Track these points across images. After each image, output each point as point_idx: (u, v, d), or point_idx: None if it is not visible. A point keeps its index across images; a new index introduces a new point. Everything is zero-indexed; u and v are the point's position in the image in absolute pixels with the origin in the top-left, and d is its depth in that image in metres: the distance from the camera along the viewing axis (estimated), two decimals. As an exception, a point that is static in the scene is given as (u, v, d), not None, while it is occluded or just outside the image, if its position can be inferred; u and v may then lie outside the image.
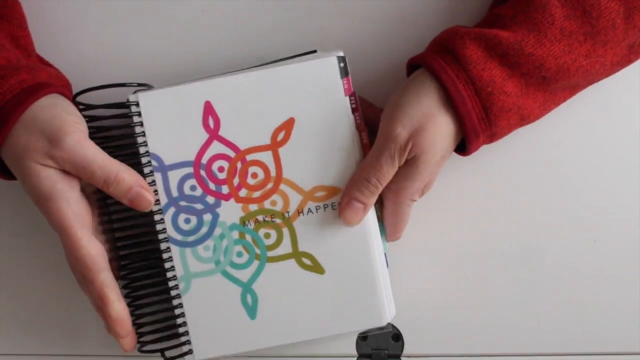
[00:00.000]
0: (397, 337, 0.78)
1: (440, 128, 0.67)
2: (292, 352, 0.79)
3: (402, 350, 0.78)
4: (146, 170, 0.71)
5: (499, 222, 0.76)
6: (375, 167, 0.68)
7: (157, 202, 0.71)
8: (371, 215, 0.72)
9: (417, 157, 0.67)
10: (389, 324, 0.73)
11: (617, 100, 0.76)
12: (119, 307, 0.68)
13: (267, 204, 0.71)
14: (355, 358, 0.78)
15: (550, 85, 0.68)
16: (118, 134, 0.71)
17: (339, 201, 0.70)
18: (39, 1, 0.75)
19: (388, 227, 0.73)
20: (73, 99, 0.71)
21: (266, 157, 0.71)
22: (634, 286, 0.77)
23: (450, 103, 0.66)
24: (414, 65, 0.71)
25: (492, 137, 0.69)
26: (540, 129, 0.73)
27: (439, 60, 0.67)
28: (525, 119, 0.69)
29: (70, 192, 0.67)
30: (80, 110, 0.70)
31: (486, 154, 0.73)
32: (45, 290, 0.78)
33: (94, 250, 0.67)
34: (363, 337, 0.78)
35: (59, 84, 0.70)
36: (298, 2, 0.74)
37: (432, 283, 0.77)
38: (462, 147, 0.70)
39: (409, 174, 0.68)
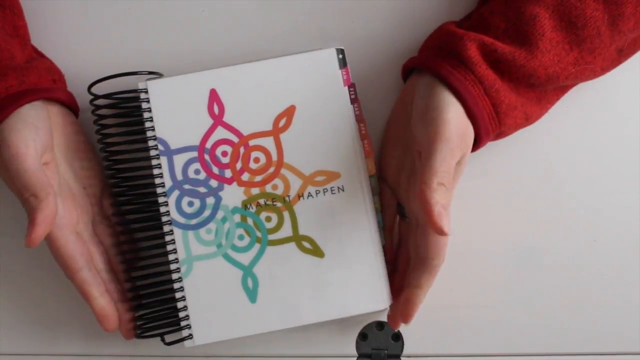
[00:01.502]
0: (397, 337, 0.78)
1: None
2: (292, 352, 0.78)
3: (402, 350, 0.77)
4: (153, 153, 0.73)
5: (499, 222, 0.77)
6: (446, 170, 0.65)
7: (162, 185, 0.73)
8: (369, 204, 0.73)
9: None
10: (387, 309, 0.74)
11: (617, 100, 0.77)
12: (102, 302, 0.72)
13: (268, 188, 0.73)
14: (355, 358, 0.78)
15: (540, 87, 0.69)
16: (127, 120, 0.74)
17: (429, 213, 0.64)
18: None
19: (427, 251, 0.69)
20: (88, 89, 0.74)
21: (268, 142, 0.73)
22: (634, 286, 0.77)
23: (463, 104, 0.67)
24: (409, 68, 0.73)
25: (499, 136, 0.71)
26: (539, 128, 0.74)
27: (444, 65, 0.68)
28: (529, 118, 0.70)
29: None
30: (93, 99, 0.74)
31: (486, 154, 0.74)
32: (45, 290, 0.78)
33: (72, 250, 0.70)
34: (363, 337, 0.78)
35: (46, 82, 0.72)
36: (298, 2, 0.77)
37: (431, 283, 0.77)
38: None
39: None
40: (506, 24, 0.68)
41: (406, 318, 0.71)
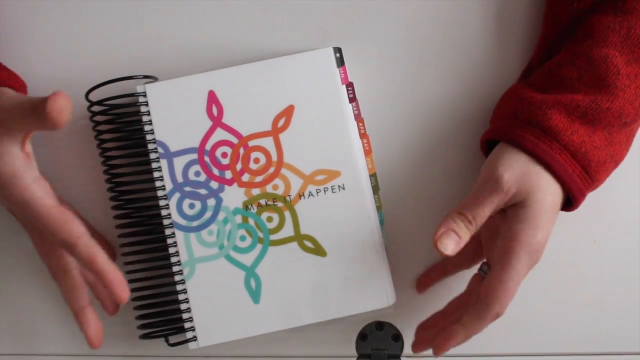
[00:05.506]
0: (397, 337, 0.77)
1: (545, 183, 0.68)
2: (293, 352, 0.78)
3: (402, 350, 0.77)
4: (152, 156, 0.73)
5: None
6: (472, 204, 0.68)
7: (163, 187, 0.73)
8: (370, 201, 0.74)
9: (525, 201, 0.67)
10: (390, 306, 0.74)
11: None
12: (112, 267, 0.65)
13: (269, 188, 0.74)
14: (355, 358, 0.77)
15: (630, 125, 0.69)
16: (126, 122, 0.75)
17: (433, 233, 0.68)
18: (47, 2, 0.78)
19: (487, 295, 0.67)
20: (86, 96, 0.74)
21: (268, 142, 0.74)
22: (634, 286, 0.77)
23: (552, 173, 0.67)
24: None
25: (594, 188, 0.71)
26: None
27: (527, 137, 0.68)
28: (618, 162, 0.70)
29: (30, 169, 0.67)
30: (90, 106, 0.74)
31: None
32: (45, 290, 0.78)
33: (71, 215, 0.66)
34: (363, 337, 0.77)
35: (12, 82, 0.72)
36: (298, 2, 0.77)
37: (432, 283, 0.77)
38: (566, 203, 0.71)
39: (521, 215, 0.67)
40: (579, 72, 0.68)
41: (435, 349, 0.69)
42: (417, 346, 0.73)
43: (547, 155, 0.67)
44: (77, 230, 0.65)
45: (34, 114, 0.62)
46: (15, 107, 0.64)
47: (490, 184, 0.68)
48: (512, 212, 0.68)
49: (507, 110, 0.71)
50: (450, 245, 0.67)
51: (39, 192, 0.65)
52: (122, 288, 0.65)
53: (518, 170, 0.68)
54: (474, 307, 0.68)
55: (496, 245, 0.69)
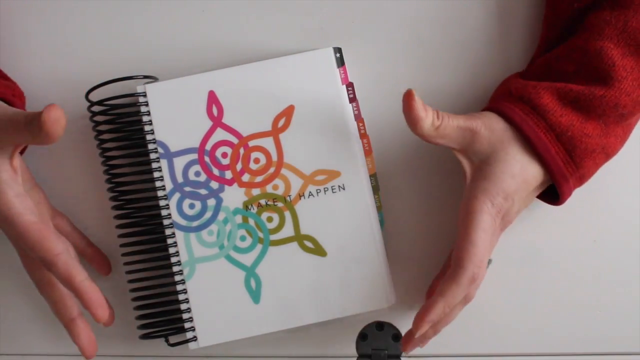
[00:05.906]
0: (397, 337, 0.77)
1: (515, 151, 0.68)
2: (293, 352, 0.78)
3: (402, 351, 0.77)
4: (153, 156, 0.73)
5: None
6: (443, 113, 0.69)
7: (163, 187, 0.73)
8: (370, 201, 0.74)
9: (489, 159, 0.68)
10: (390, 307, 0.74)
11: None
12: (90, 285, 0.66)
13: (269, 188, 0.74)
14: (355, 358, 0.77)
15: (629, 118, 0.69)
16: (126, 123, 0.75)
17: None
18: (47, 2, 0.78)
19: (459, 257, 0.67)
20: (86, 96, 0.74)
21: (268, 142, 0.74)
22: (634, 286, 0.77)
23: (535, 151, 0.68)
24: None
25: (581, 179, 0.70)
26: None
27: (516, 110, 0.68)
28: (609, 155, 0.70)
29: (14, 184, 0.67)
30: (90, 106, 0.74)
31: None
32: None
33: (49, 232, 0.66)
34: (363, 337, 0.78)
35: (9, 93, 0.72)
36: (298, 2, 0.77)
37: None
38: (556, 197, 0.71)
39: (483, 173, 0.68)
40: (575, 66, 0.69)
41: (416, 321, 0.69)
42: (405, 343, 0.73)
43: (532, 132, 0.67)
44: (55, 248, 0.65)
45: (28, 127, 0.63)
46: (7, 120, 0.65)
47: (467, 114, 0.69)
48: (476, 172, 0.69)
49: (502, 92, 0.72)
50: (408, 103, 0.67)
51: (19, 208, 0.66)
52: (100, 307, 0.66)
53: (495, 126, 0.68)
54: (449, 273, 0.67)
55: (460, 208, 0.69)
